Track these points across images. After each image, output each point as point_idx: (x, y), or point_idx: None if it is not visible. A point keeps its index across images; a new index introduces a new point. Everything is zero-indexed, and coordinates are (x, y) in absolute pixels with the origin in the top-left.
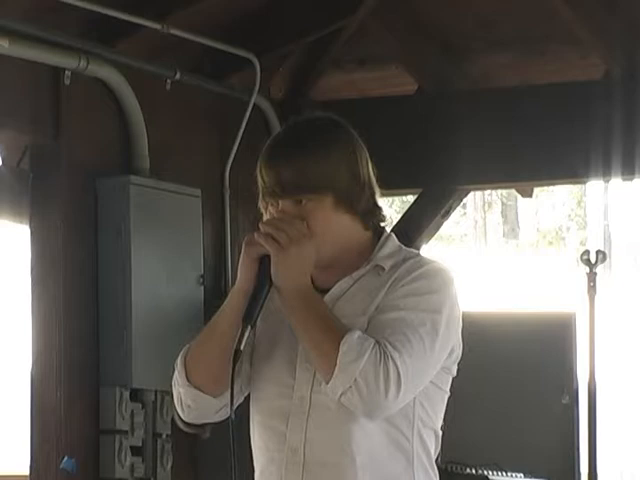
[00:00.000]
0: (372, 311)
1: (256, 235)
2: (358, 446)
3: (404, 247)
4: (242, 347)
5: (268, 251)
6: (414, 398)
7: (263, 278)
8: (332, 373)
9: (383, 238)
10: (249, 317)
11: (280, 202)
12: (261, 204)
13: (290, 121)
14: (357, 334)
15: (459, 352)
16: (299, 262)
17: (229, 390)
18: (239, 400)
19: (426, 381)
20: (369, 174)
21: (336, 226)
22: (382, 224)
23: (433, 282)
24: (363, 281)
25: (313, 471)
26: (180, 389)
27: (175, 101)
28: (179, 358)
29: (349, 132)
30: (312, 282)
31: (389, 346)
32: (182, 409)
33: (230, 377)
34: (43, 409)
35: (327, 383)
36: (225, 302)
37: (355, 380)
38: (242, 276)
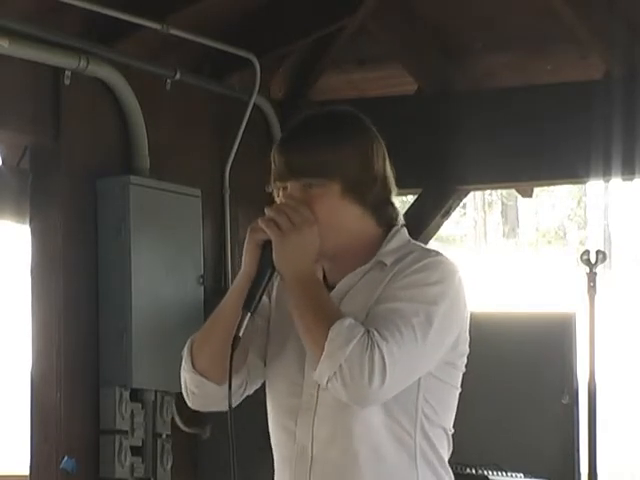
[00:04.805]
0: (371, 304)
1: (260, 220)
2: (360, 442)
3: (413, 241)
4: (241, 334)
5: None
6: (417, 393)
7: (265, 264)
8: (320, 359)
9: (391, 233)
10: (249, 304)
11: (288, 186)
12: (274, 192)
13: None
14: (348, 321)
15: (465, 347)
16: (300, 247)
17: (232, 378)
18: (247, 391)
19: (418, 372)
20: (385, 170)
21: (342, 215)
22: (395, 223)
23: (433, 274)
24: (368, 277)
25: (319, 468)
26: (185, 375)
27: (175, 101)
28: (187, 343)
29: (367, 126)
30: (324, 276)
31: (377, 335)
32: (187, 395)
33: (229, 363)
34: (43, 409)
35: (315, 369)
36: (230, 288)
37: (340, 366)
38: (246, 262)
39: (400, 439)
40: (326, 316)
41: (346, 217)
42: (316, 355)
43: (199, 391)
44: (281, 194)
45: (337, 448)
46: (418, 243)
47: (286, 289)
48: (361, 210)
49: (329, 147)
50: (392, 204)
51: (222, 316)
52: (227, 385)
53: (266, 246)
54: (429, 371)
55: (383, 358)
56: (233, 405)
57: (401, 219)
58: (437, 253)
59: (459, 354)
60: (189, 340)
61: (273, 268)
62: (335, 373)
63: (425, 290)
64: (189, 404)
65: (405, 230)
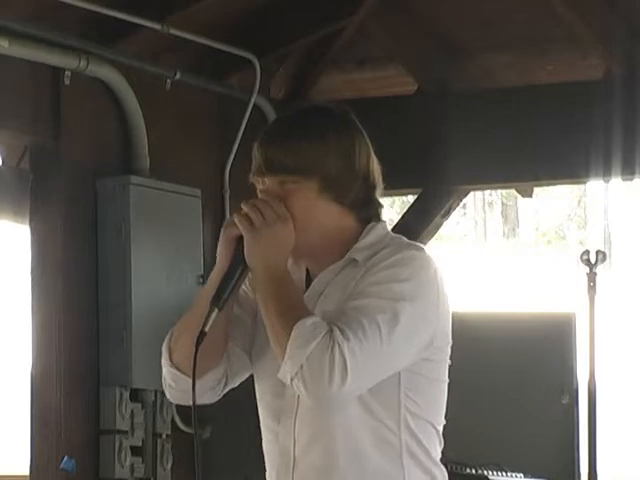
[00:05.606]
0: (343, 302)
1: (234, 215)
2: (340, 443)
3: (392, 235)
4: (207, 329)
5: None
6: (398, 389)
7: (237, 259)
8: (283, 358)
9: (367, 229)
10: (217, 299)
11: (266, 180)
12: (256, 187)
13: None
14: (311, 320)
15: (445, 341)
16: (271, 243)
17: (211, 372)
18: (230, 384)
19: (387, 370)
20: (368, 167)
21: (319, 212)
22: (377, 220)
23: (404, 270)
24: (342, 274)
25: (301, 470)
26: (164, 368)
27: (175, 101)
28: (166, 337)
29: (352, 123)
30: (307, 274)
31: (339, 334)
32: (166, 388)
33: (193, 359)
34: (43, 409)
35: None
36: (207, 282)
37: (301, 366)
38: (220, 257)
39: (384, 438)
40: (291, 314)
41: (322, 214)
42: (280, 353)
43: (175, 385)
44: (260, 189)
45: (318, 450)
46: (397, 236)
47: (256, 285)
48: (339, 208)
49: (308, 145)
50: (375, 201)
51: (196, 311)
52: (203, 380)
53: (239, 241)
54: (407, 367)
55: (344, 357)
56: (216, 399)
57: (383, 215)
58: (411, 247)
59: (437, 349)
60: (169, 333)
61: (245, 264)
62: (297, 373)
63: (395, 286)
64: (168, 398)
65: (384, 225)
